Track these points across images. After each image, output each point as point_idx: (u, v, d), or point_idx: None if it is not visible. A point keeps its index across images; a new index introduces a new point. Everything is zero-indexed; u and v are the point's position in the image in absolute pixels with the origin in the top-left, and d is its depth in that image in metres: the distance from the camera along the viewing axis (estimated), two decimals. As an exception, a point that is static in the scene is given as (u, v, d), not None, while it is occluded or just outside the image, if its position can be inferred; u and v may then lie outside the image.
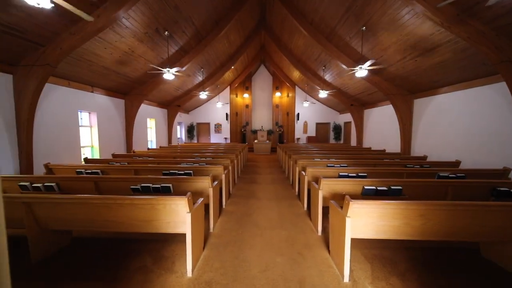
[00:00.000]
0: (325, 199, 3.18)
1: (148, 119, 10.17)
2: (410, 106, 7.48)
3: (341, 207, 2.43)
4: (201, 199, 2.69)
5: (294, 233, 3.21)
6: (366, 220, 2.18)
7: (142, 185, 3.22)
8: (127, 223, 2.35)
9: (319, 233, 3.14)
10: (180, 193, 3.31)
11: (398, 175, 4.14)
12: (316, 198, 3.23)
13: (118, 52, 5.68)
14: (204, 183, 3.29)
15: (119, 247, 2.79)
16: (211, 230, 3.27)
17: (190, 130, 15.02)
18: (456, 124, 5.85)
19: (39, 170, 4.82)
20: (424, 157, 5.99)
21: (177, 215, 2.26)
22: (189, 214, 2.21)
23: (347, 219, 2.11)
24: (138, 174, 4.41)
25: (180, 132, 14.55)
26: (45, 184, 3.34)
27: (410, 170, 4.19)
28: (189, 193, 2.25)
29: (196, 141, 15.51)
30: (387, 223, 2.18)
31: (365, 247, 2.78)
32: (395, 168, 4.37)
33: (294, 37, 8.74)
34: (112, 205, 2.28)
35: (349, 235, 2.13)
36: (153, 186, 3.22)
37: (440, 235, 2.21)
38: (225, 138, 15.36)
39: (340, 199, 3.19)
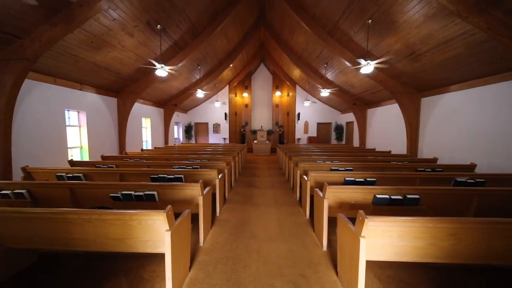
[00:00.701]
0: (330, 208, 2.79)
1: (143, 119, 9.80)
2: (417, 105, 7.09)
3: (350, 220, 2.05)
4: (187, 211, 2.31)
5: (296, 247, 2.82)
6: (384, 239, 1.80)
7: (123, 192, 2.84)
8: (96, 242, 1.96)
9: (324, 248, 2.75)
10: (166, 201, 2.93)
11: (411, 181, 3.75)
12: (321, 208, 2.84)
13: (107, 47, 5.30)
14: (194, 190, 2.91)
15: (92, 266, 2.40)
16: (201, 243, 2.88)
17: (188, 130, 14.63)
18: (468, 123, 5.46)
19: (19, 174, 4.44)
20: (435, 160, 5.60)
21: (155, 233, 1.88)
22: (169, 233, 1.82)
23: (361, 239, 1.73)
24: (124, 178, 4.03)
25: (177, 132, 14.18)
26: (15, 191, 2.96)
27: (423, 174, 3.80)
28: (169, 207, 1.87)
29: (194, 142, 15.13)
30: (408, 243, 1.80)
31: (378, 267, 2.39)
32: (406, 172, 3.99)
33: (294, 34, 8.36)
34: (77, 220, 1.90)
35: (363, 258, 1.74)
36: (135, 194, 2.84)
37: (473, 257, 1.82)
38: (224, 139, 14.98)
39: (348, 209, 2.81)
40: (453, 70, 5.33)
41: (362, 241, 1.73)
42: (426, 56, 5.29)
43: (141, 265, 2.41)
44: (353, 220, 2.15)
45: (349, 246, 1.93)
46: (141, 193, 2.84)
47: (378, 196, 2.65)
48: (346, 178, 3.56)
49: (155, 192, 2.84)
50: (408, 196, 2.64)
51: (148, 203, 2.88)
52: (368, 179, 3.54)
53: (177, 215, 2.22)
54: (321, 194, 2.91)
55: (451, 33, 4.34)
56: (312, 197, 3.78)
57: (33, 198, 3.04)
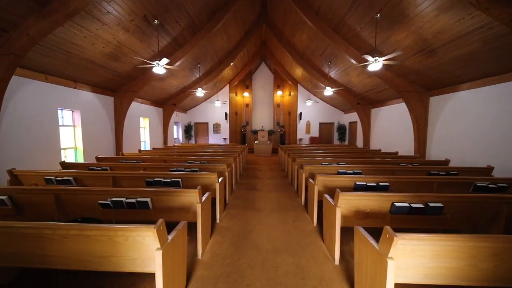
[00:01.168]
0: (344, 218, 2.51)
1: (141, 119, 9.53)
2: (426, 105, 6.81)
3: (371, 235, 1.79)
4: (182, 222, 2.04)
5: (304, 260, 2.55)
6: (413, 260, 1.53)
7: (113, 199, 2.57)
8: (77, 259, 1.69)
9: (336, 261, 2.48)
10: (161, 209, 2.66)
11: (427, 186, 3.47)
12: (332, 216, 2.57)
13: (101, 42, 5.03)
14: (191, 197, 2.63)
15: (77, 283, 2.13)
16: (199, 256, 2.61)
17: (187, 130, 14.36)
18: (480, 124, 5.18)
19: (6, 177, 4.17)
20: (446, 162, 5.32)
21: (144, 251, 1.61)
22: (160, 252, 1.55)
23: (389, 261, 1.45)
24: (117, 182, 3.76)
25: (177, 132, 13.90)
26: (-5, 197, 2.70)
27: (439, 179, 3.52)
28: (160, 221, 1.60)
29: (194, 142, 14.85)
30: (444, 264, 1.53)
31: (398, 285, 2.11)
32: (421, 176, 3.71)
33: (297, 31, 8.08)
34: (53, 236, 1.63)
35: (392, 282, 1.48)
36: (127, 200, 2.57)
37: (516, 280, 1.55)
38: (224, 139, 14.71)
39: (361, 218, 2.54)
40: (465, 67, 5.05)
41: (390, 264, 1.45)
42: (437, 52, 5.01)
43: (133, 283, 2.13)
44: (368, 230, 1.89)
45: (371, 266, 1.66)
46: (133, 200, 2.57)
47: (396, 204, 2.38)
48: (357, 183, 3.30)
49: (148, 199, 2.57)
50: (430, 204, 2.37)
51: (141, 211, 2.61)
52: (380, 183, 3.28)
53: (173, 224, 1.96)
54: (331, 201, 2.64)
55: (466, 27, 4.07)
56: (319, 202, 3.51)
57: (16, 205, 2.77)
